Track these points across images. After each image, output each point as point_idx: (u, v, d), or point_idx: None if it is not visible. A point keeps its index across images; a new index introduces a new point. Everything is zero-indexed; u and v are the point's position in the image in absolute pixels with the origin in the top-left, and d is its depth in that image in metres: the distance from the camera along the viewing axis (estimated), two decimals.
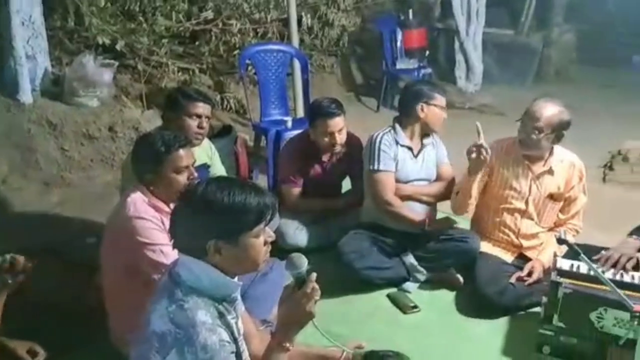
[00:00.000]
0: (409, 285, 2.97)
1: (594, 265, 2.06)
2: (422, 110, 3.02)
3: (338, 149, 3.26)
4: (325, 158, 3.34)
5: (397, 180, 3.05)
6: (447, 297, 2.92)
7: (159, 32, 4.75)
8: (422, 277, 2.99)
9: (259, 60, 4.39)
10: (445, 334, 2.64)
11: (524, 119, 2.80)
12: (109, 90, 4.36)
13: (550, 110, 2.74)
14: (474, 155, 2.73)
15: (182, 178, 2.17)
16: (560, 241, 2.14)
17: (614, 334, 2.23)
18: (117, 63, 4.49)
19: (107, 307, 2.27)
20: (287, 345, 1.56)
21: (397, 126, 3.08)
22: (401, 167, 3.05)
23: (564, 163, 2.91)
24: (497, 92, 6.62)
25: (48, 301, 2.61)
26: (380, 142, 3.02)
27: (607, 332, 2.25)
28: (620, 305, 2.17)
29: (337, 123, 3.16)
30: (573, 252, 2.10)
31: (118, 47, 4.42)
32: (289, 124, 4.09)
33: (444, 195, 3.13)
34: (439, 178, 3.17)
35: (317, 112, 3.20)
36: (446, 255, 2.95)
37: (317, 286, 1.56)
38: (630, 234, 2.55)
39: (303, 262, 1.60)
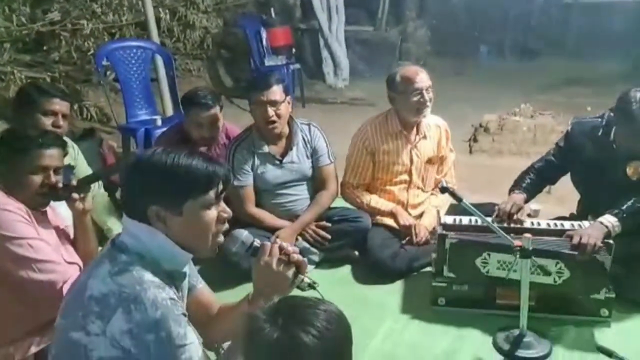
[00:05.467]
0: None
1: (475, 210, 2.13)
2: (252, 112, 2.86)
3: (206, 142, 3.06)
4: (203, 150, 3.17)
5: (261, 189, 2.93)
6: (344, 270, 2.91)
7: None
8: (316, 258, 2.94)
9: (118, 58, 4.13)
10: (345, 303, 2.53)
11: (407, 88, 2.79)
12: None
13: (422, 71, 2.85)
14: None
15: (36, 179, 1.93)
16: (443, 189, 2.18)
17: (498, 277, 2.33)
18: None
19: None
20: None
21: (254, 132, 2.91)
22: (262, 175, 2.92)
23: (432, 126, 3.02)
24: (365, 86, 6.87)
25: None
26: (233, 155, 2.89)
27: (492, 275, 2.35)
28: (501, 248, 2.28)
29: (210, 115, 2.99)
30: (456, 198, 2.15)
31: None
32: (158, 122, 3.88)
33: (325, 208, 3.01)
34: (317, 179, 3.02)
35: (191, 102, 3.00)
36: (340, 236, 2.93)
37: (272, 245, 1.45)
38: (512, 190, 2.69)
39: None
